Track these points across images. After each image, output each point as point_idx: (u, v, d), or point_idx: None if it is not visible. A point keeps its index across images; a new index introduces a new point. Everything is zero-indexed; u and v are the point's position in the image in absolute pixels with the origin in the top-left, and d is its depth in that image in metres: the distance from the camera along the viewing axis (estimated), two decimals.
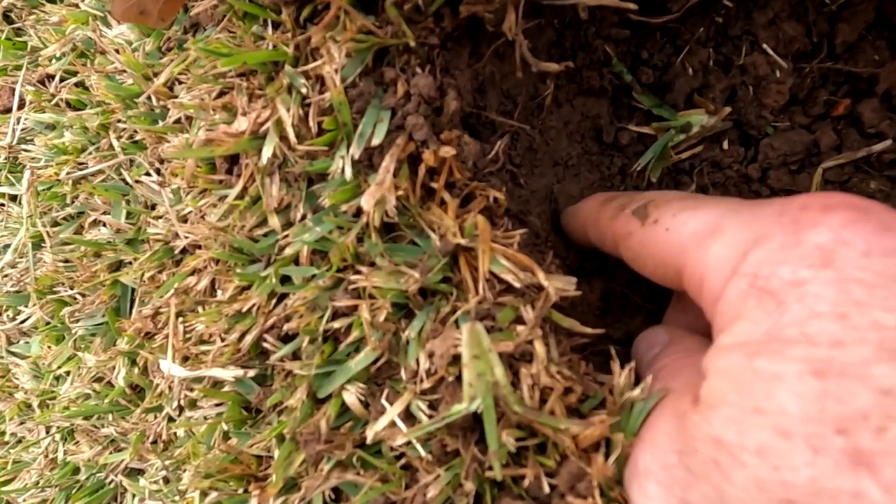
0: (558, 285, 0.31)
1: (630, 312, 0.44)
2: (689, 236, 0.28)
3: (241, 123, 0.35)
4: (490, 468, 0.27)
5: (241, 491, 0.36)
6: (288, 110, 0.34)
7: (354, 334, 0.31)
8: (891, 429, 0.18)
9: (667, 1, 0.41)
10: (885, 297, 0.20)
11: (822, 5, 0.45)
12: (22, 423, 0.54)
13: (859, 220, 0.22)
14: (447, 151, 0.31)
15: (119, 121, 0.46)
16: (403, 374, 0.30)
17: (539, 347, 0.27)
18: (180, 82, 0.41)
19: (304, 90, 0.33)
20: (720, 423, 0.21)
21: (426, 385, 0.28)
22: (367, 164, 0.32)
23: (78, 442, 0.49)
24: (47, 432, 0.51)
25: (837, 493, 0.18)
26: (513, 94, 0.41)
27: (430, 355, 0.28)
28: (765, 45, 0.44)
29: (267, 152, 0.34)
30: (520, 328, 0.28)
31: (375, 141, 0.31)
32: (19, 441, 0.54)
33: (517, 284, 0.29)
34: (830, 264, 0.21)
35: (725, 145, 0.46)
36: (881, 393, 0.18)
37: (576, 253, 0.44)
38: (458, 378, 0.27)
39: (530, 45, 0.43)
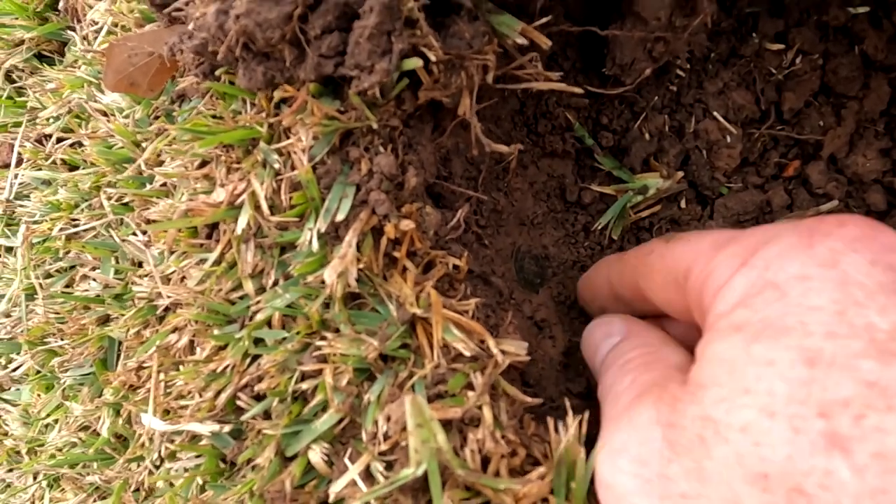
0: (510, 349, 0.33)
1: None
2: (707, 244, 0.29)
3: (220, 194, 0.38)
4: None
5: None
6: (262, 184, 0.36)
7: (319, 397, 0.33)
8: (869, 417, 0.19)
9: (620, 74, 0.44)
10: (882, 304, 0.21)
11: (769, 74, 0.48)
12: (11, 470, 0.55)
13: (868, 238, 0.24)
14: (407, 225, 0.34)
15: (110, 183, 0.48)
16: (364, 436, 0.32)
17: (486, 413, 0.29)
18: (165, 151, 0.44)
19: (276, 165, 0.36)
20: (711, 402, 0.23)
21: (384, 447, 0.30)
22: (334, 235, 0.35)
23: (63, 489, 0.50)
24: (34, 479, 0.53)
25: (811, 470, 0.19)
26: (477, 161, 0.44)
27: (388, 419, 0.31)
28: (715, 113, 0.47)
29: (242, 223, 0.36)
30: (470, 394, 0.30)
31: (340, 216, 0.33)
32: (7, 486, 0.56)
33: (467, 353, 0.31)
34: (837, 266, 0.23)
35: (683, 204, 0.49)
36: (865, 384, 0.20)
37: (543, 308, 0.47)
38: None
39: (495, 114, 0.46)
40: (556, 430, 0.31)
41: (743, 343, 0.23)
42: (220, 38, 0.32)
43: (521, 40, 0.34)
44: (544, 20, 0.34)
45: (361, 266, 0.33)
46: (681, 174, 0.46)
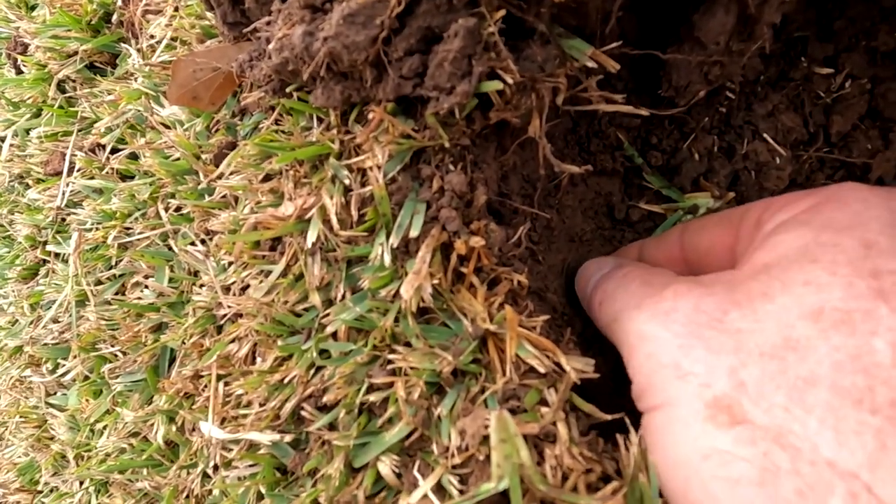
0: (577, 366, 0.34)
1: None
2: (764, 199, 0.34)
3: (288, 208, 0.39)
4: None
5: None
6: (331, 199, 0.37)
7: (391, 410, 0.33)
8: None
9: (675, 96, 0.45)
10: None
11: (817, 98, 0.48)
12: (56, 474, 0.56)
13: None
14: (477, 241, 0.35)
15: (168, 194, 0.49)
16: (435, 449, 0.32)
17: (562, 429, 0.30)
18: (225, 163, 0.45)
19: (346, 181, 0.37)
20: (780, 270, 0.27)
21: (457, 460, 0.31)
22: (404, 250, 0.36)
23: (112, 495, 0.51)
24: (81, 485, 0.54)
25: (857, 308, 0.25)
26: (532, 179, 0.44)
27: (462, 433, 0.31)
28: (765, 135, 0.47)
29: (311, 236, 0.37)
30: (544, 410, 0.31)
31: (413, 232, 0.34)
32: (52, 490, 0.56)
33: (542, 369, 0.31)
34: (891, 201, 0.28)
35: None
36: None
37: (591, 325, 0.47)
38: (489, 457, 0.30)
39: (549, 132, 0.47)
40: (627, 447, 0.31)
41: (812, 233, 0.28)
42: (305, 58, 0.33)
43: (590, 63, 0.35)
44: (614, 45, 0.35)
45: (435, 282, 0.33)
46: (732, 194, 0.47)
